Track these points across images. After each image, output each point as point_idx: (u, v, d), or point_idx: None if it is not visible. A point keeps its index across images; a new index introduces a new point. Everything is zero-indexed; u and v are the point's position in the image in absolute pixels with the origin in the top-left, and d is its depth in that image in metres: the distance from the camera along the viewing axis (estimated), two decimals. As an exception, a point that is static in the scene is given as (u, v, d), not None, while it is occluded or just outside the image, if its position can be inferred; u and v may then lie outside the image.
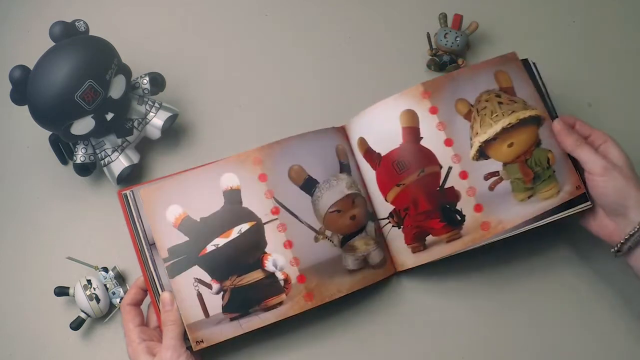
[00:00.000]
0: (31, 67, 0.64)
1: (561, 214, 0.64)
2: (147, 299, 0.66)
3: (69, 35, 0.66)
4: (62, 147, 0.74)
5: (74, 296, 0.68)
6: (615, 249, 0.62)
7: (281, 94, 0.79)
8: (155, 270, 0.63)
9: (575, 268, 0.70)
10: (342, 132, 0.69)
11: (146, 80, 0.71)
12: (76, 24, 0.67)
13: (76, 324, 0.67)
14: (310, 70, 0.80)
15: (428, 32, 0.78)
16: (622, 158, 0.63)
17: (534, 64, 0.68)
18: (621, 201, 0.61)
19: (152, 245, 0.63)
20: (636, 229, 0.60)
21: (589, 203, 0.64)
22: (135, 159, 0.72)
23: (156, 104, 0.72)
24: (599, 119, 0.76)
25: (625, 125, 0.76)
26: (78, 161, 0.71)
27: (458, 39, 0.76)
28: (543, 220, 0.63)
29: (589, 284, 0.69)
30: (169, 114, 0.72)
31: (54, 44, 0.66)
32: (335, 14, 0.82)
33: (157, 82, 0.72)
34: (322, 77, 0.79)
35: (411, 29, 0.80)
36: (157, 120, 0.72)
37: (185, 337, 0.62)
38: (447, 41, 0.76)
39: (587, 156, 0.63)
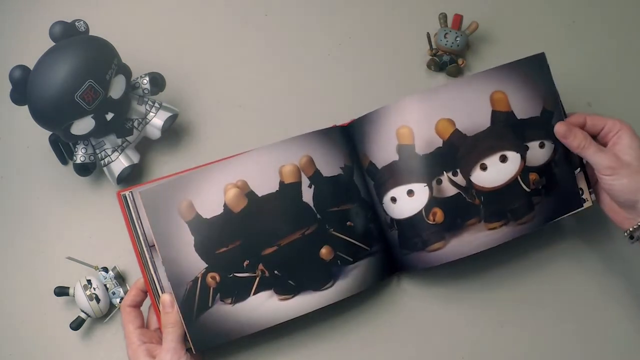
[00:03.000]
0: (31, 67, 0.64)
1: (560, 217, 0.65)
2: (148, 300, 0.66)
3: (69, 35, 0.66)
4: (62, 147, 0.74)
5: (74, 296, 0.68)
6: (627, 234, 0.63)
7: (281, 94, 0.79)
8: (155, 272, 0.63)
9: (572, 266, 0.70)
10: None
11: (146, 80, 0.71)
12: (76, 24, 0.67)
13: (76, 324, 0.67)
14: (310, 70, 0.80)
15: (428, 32, 0.78)
16: (632, 148, 0.62)
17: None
18: (630, 196, 0.61)
19: (152, 247, 0.63)
20: None
21: (588, 204, 0.65)
22: (135, 159, 0.72)
23: (156, 104, 0.72)
24: (598, 119, 0.76)
25: (625, 125, 0.76)
26: (78, 161, 0.71)
27: (458, 39, 0.76)
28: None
29: (587, 282, 0.70)
30: (169, 114, 0.72)
31: (54, 44, 0.65)
32: (335, 14, 0.82)
33: (157, 82, 0.72)
34: (322, 77, 0.79)
35: (411, 29, 0.80)
36: (157, 120, 0.72)
37: (185, 339, 0.62)
38: (447, 41, 0.76)
39: (592, 157, 0.62)
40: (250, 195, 0.64)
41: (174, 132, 0.76)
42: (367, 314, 0.69)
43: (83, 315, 0.67)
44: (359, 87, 0.79)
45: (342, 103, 0.77)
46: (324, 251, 0.65)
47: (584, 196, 0.66)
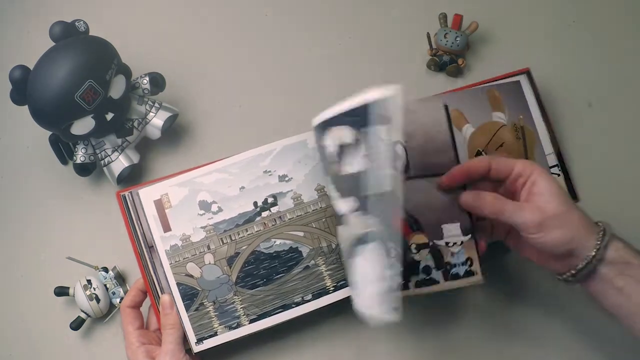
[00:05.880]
0: (31, 67, 0.64)
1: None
2: (148, 301, 0.66)
3: (69, 35, 0.66)
4: (62, 147, 0.74)
5: (74, 296, 0.68)
6: (562, 278, 0.56)
7: (281, 94, 0.79)
8: (155, 272, 0.63)
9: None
10: None
11: (146, 80, 0.71)
12: (76, 24, 0.67)
13: (76, 324, 0.67)
14: (310, 70, 0.80)
15: (428, 32, 0.78)
16: (552, 193, 0.54)
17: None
18: (565, 247, 0.54)
19: (151, 247, 0.63)
20: (585, 263, 0.54)
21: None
22: (135, 159, 0.72)
23: (156, 104, 0.72)
24: (599, 119, 0.76)
25: (625, 125, 0.76)
26: (78, 161, 0.71)
27: (458, 39, 0.76)
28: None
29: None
30: (169, 114, 0.72)
31: (54, 44, 0.66)
32: (336, 14, 0.82)
33: (157, 82, 0.72)
34: (322, 76, 0.79)
35: (411, 29, 0.80)
36: (157, 120, 0.72)
37: (184, 340, 0.62)
38: (447, 41, 0.76)
39: (513, 217, 0.54)
40: None
41: (174, 132, 0.76)
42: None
43: (83, 315, 0.67)
44: (359, 87, 0.78)
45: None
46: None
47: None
